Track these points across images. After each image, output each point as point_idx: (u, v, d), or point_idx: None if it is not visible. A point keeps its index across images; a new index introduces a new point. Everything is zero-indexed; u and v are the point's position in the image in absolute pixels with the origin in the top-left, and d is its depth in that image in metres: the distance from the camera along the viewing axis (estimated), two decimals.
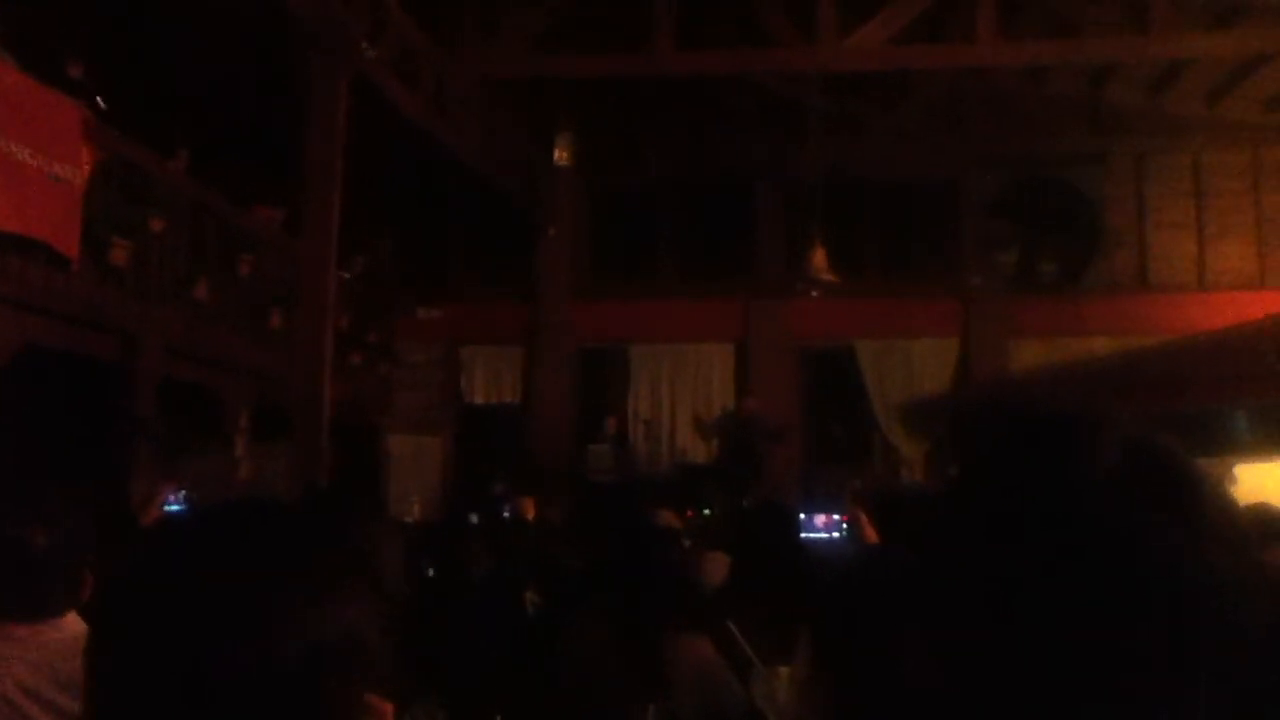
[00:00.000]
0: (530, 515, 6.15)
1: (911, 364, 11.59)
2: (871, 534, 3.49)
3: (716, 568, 3.57)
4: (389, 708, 0.89)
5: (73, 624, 2.08)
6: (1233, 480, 7.24)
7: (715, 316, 11.71)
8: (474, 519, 5.96)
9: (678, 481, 10.22)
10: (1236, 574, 0.66)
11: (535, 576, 3.85)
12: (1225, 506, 0.70)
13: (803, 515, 6.26)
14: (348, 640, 0.83)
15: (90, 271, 6.41)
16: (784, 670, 2.55)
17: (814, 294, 9.77)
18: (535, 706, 2.69)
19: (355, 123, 6.91)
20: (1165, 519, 0.67)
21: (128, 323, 6.77)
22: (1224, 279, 11.31)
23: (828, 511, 7.04)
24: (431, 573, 3.77)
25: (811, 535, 6.33)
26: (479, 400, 12.06)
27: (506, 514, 6.51)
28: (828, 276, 9.45)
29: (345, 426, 7.44)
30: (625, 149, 11.50)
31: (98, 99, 6.65)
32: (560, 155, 9.93)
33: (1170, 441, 0.72)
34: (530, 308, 11.64)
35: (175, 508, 5.98)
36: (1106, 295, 11.35)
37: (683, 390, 11.85)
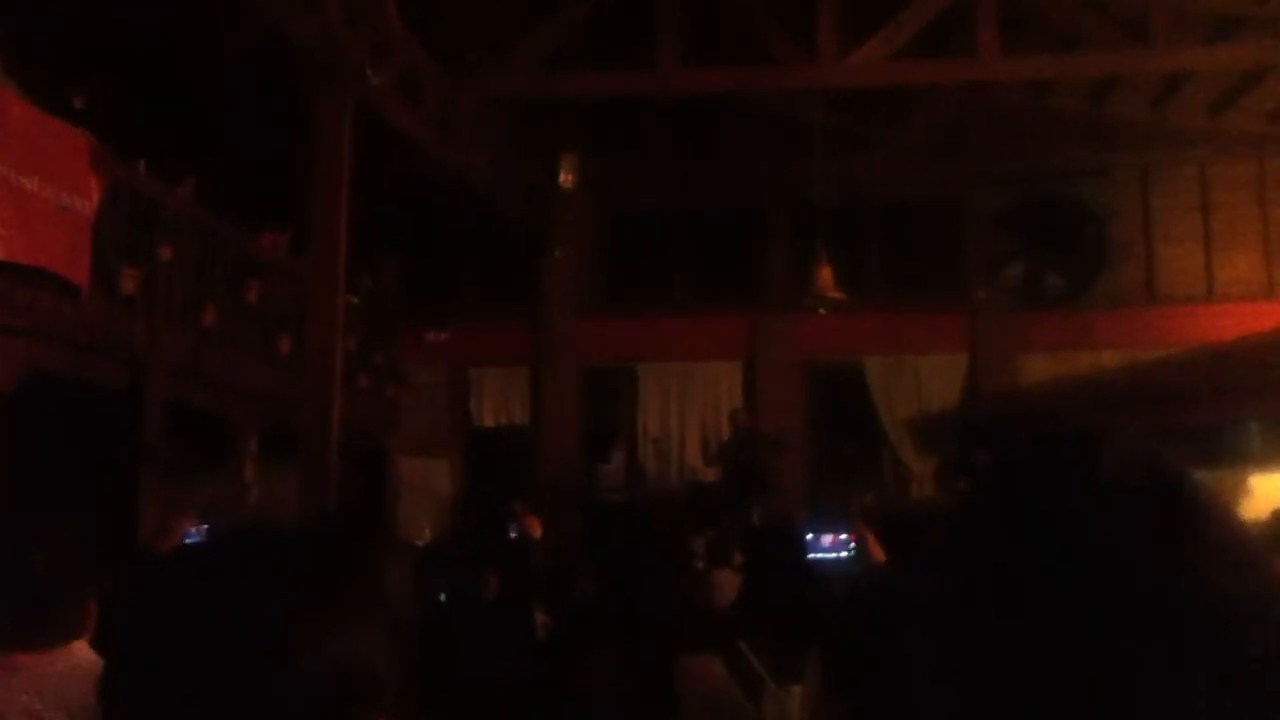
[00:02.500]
0: (537, 534, 6.14)
1: (920, 380, 11.58)
2: (878, 553, 3.47)
3: (728, 587, 3.55)
4: None
5: (80, 652, 2.07)
6: (1247, 492, 7.20)
7: (722, 334, 11.71)
8: (482, 539, 5.95)
9: (688, 501, 10.20)
10: (1242, 592, 0.66)
11: (543, 596, 3.84)
12: (1232, 523, 0.70)
13: (810, 535, 6.24)
14: (359, 665, 0.83)
15: (99, 298, 6.42)
16: (796, 689, 2.53)
17: (820, 311, 9.78)
18: None
19: (360, 145, 6.95)
20: (1169, 535, 0.67)
21: (135, 348, 6.78)
22: (1232, 290, 11.27)
23: (835, 529, 7.03)
24: (444, 597, 3.76)
25: (819, 555, 6.30)
26: (488, 422, 12.06)
27: (514, 534, 6.49)
28: (834, 294, 9.45)
29: (353, 449, 7.44)
30: (632, 170, 11.53)
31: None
32: (565, 178, 9.95)
33: (1175, 458, 0.72)
34: (536, 328, 11.65)
35: (195, 540, 5.98)
36: (1114, 308, 11.33)
37: (692, 408, 11.84)
